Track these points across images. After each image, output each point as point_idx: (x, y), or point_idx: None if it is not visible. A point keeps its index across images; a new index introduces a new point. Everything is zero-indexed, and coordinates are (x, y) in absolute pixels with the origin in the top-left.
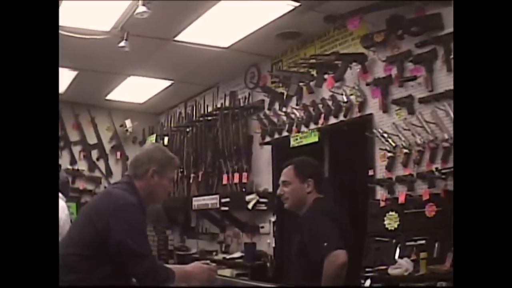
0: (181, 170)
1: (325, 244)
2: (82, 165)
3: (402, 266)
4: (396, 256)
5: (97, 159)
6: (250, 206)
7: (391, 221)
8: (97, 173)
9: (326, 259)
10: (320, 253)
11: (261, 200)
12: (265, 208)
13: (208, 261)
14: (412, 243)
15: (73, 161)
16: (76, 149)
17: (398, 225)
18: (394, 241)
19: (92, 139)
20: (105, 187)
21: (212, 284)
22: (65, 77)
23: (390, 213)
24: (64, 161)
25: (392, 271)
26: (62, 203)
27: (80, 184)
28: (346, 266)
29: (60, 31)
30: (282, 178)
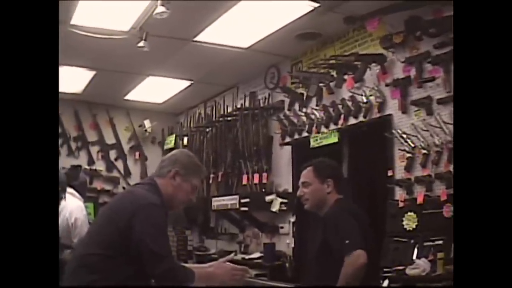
0: None
1: (347, 242)
2: (100, 165)
3: (419, 266)
4: (414, 257)
5: (115, 159)
6: (275, 208)
7: (410, 221)
8: (115, 173)
9: (346, 258)
10: (342, 250)
11: (282, 200)
12: (284, 208)
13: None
14: (430, 243)
15: (90, 161)
16: (94, 149)
17: (416, 225)
18: (412, 241)
19: (110, 139)
20: (123, 188)
21: (238, 285)
22: (83, 77)
23: (409, 213)
24: (81, 161)
25: (409, 271)
26: (79, 203)
27: (97, 185)
28: (365, 268)
29: (78, 31)
30: (301, 179)
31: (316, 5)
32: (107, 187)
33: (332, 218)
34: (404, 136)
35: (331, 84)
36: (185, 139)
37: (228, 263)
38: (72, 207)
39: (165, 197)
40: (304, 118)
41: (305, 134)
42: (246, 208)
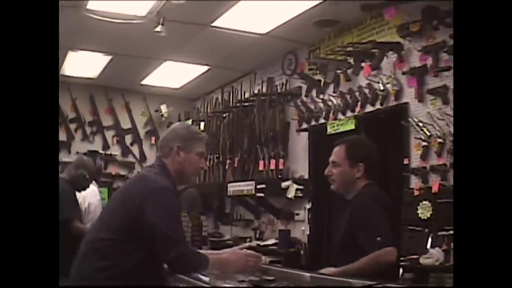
0: (217, 155)
1: (379, 238)
2: (115, 150)
3: (433, 256)
4: (428, 246)
5: (131, 144)
6: (290, 195)
7: (424, 210)
8: (130, 158)
9: (377, 252)
10: (372, 246)
11: (297, 187)
12: (300, 195)
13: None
14: (444, 232)
15: (105, 146)
16: (109, 134)
17: (431, 214)
18: (426, 230)
19: (126, 124)
20: (138, 172)
21: (254, 272)
22: (99, 61)
23: (424, 202)
24: (96, 146)
25: (423, 260)
26: (93, 188)
27: (112, 170)
28: (393, 263)
29: (94, 15)
30: (331, 158)
31: None
32: (122, 172)
33: (360, 210)
34: (420, 124)
35: (349, 71)
36: (202, 124)
37: (243, 250)
38: (86, 192)
39: (175, 174)
40: (321, 105)
41: (322, 120)
42: (262, 194)
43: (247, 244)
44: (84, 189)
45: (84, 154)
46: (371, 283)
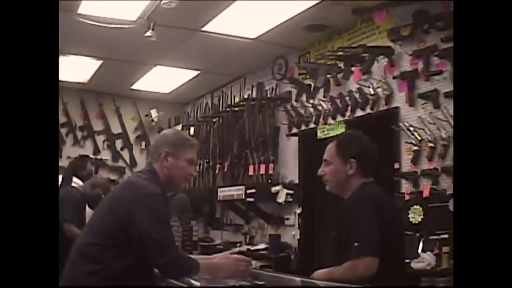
0: (207, 160)
1: (356, 244)
2: (105, 155)
3: (424, 260)
4: (419, 250)
5: (121, 149)
6: (280, 200)
7: (415, 214)
8: (121, 163)
9: (352, 261)
10: (350, 252)
11: (287, 191)
12: (290, 199)
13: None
14: (435, 237)
15: (96, 151)
16: (100, 139)
17: (422, 219)
18: (417, 234)
19: (116, 129)
20: (127, 178)
21: (243, 276)
22: (90, 66)
23: (415, 206)
24: (87, 151)
25: (415, 264)
26: None
27: (103, 174)
28: (372, 277)
29: (85, 20)
30: (324, 156)
31: None
32: (113, 176)
33: (348, 210)
34: (411, 129)
35: (339, 75)
36: (192, 129)
37: (234, 254)
38: None
39: (164, 180)
40: (311, 109)
41: (312, 125)
42: (252, 199)
43: (238, 248)
44: None
45: (75, 158)
46: (362, 286)
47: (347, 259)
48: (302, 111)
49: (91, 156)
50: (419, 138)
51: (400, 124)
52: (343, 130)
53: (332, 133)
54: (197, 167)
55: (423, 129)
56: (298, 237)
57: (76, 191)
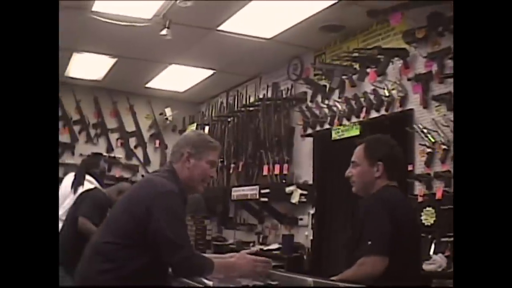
0: (221, 160)
1: (369, 243)
2: (119, 153)
3: (436, 262)
4: (431, 252)
5: (135, 147)
6: (294, 200)
7: (428, 216)
8: (134, 161)
9: (362, 259)
10: (362, 250)
11: (301, 192)
12: (304, 200)
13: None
14: (447, 239)
15: (109, 149)
16: (113, 137)
17: (434, 220)
18: (429, 236)
19: (130, 127)
20: (142, 176)
21: (261, 277)
22: (104, 64)
23: (427, 208)
24: (100, 148)
25: (426, 266)
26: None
27: (116, 172)
28: (380, 275)
29: (100, 18)
30: (352, 158)
31: None
32: (126, 175)
33: (364, 210)
34: (425, 131)
35: (354, 77)
36: (206, 128)
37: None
38: None
39: (183, 180)
40: (326, 110)
41: (326, 126)
42: (265, 199)
43: (255, 248)
44: None
45: (88, 156)
46: (374, 287)
47: (359, 257)
48: (317, 112)
49: (105, 154)
50: (433, 140)
51: (414, 126)
52: (357, 131)
53: (346, 134)
54: None
55: (436, 132)
56: (311, 237)
57: (101, 193)
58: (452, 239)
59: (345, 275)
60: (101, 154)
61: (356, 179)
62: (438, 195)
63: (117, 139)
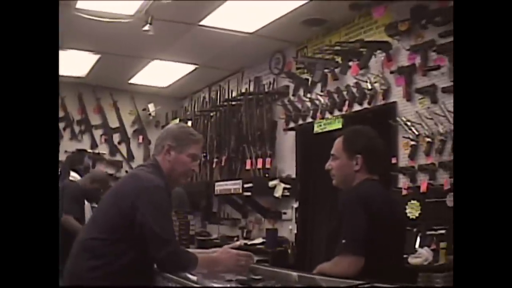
0: (204, 154)
1: (343, 241)
2: (103, 149)
3: (422, 255)
4: (417, 245)
5: (119, 143)
6: (278, 194)
7: (413, 209)
8: (118, 157)
9: (337, 258)
10: (338, 248)
11: (285, 186)
12: (288, 194)
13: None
14: (433, 232)
15: (94, 145)
16: (97, 133)
17: (420, 214)
18: (415, 230)
19: (113, 123)
20: (126, 171)
21: (243, 272)
22: (88, 60)
23: (412, 201)
24: (85, 145)
25: (412, 260)
26: None
27: (100, 168)
28: (355, 275)
29: (83, 15)
30: (331, 151)
31: None
32: (110, 171)
33: (341, 206)
34: (408, 123)
35: (336, 70)
36: (189, 123)
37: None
38: None
39: (166, 174)
40: (309, 104)
41: (309, 119)
42: (249, 193)
43: (238, 243)
44: (97, 202)
45: (72, 152)
46: (358, 282)
47: (336, 254)
48: (299, 106)
49: (89, 150)
50: (417, 133)
51: (398, 119)
52: (340, 125)
53: (329, 128)
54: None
55: (420, 124)
56: (295, 231)
57: (75, 185)
58: (438, 232)
59: (324, 270)
60: (85, 150)
61: (336, 172)
62: (423, 188)
63: (101, 135)
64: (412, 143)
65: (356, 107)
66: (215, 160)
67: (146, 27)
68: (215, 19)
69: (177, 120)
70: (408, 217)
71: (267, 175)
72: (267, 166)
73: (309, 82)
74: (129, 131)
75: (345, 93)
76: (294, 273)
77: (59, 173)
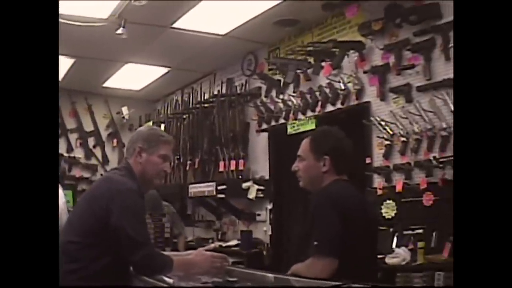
0: (178, 157)
1: (315, 243)
2: (78, 153)
3: (399, 255)
4: (394, 245)
5: (94, 147)
6: (251, 196)
7: (388, 209)
8: (93, 161)
9: (310, 260)
10: (311, 250)
11: (258, 187)
12: (261, 195)
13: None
14: (410, 232)
15: (69, 149)
16: (73, 137)
17: (396, 213)
18: (391, 229)
19: (88, 127)
20: (101, 175)
21: (220, 274)
22: (62, 64)
23: (387, 201)
24: (60, 149)
25: (389, 260)
26: (59, 191)
27: (76, 172)
28: (328, 276)
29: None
30: (298, 152)
31: None
32: (86, 174)
33: (312, 208)
34: (383, 123)
35: (309, 71)
36: (162, 126)
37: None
38: None
39: (138, 176)
40: (281, 105)
41: (282, 121)
42: (223, 195)
43: (213, 245)
44: None
45: None
46: (337, 283)
47: (309, 255)
48: (272, 107)
49: (65, 154)
50: (391, 132)
51: (372, 118)
52: (313, 125)
53: (302, 129)
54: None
55: (394, 124)
56: (270, 233)
57: None
58: (415, 232)
59: (298, 271)
60: (61, 154)
61: (303, 174)
62: (398, 188)
63: (77, 139)
64: (387, 142)
65: (329, 108)
66: (188, 162)
67: (120, 31)
68: (188, 22)
69: (150, 123)
70: (384, 217)
71: (240, 176)
72: (241, 167)
73: (282, 83)
74: (104, 134)
75: (317, 93)
76: (270, 275)
77: None
